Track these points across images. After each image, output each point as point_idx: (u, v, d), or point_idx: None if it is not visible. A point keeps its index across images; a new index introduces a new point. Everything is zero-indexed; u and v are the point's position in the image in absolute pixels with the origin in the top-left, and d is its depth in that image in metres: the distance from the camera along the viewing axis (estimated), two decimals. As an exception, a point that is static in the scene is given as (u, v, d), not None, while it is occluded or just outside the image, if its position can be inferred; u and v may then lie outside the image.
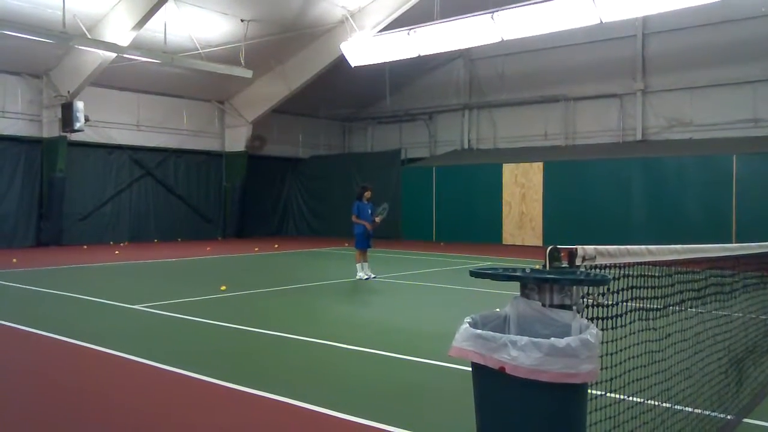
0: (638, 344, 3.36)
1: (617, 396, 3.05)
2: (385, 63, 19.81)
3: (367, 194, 12.30)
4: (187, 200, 22.76)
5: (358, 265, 12.07)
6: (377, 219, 12.15)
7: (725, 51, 18.96)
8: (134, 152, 21.19)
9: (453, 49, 18.60)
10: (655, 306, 3.59)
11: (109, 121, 20.39)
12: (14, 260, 14.62)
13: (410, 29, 17.33)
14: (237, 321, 7.82)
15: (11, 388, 5.17)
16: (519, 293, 2.56)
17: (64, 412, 4.55)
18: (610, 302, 2.89)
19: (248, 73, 19.04)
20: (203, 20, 18.07)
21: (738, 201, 16.71)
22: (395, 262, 15.12)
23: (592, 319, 2.61)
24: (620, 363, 3.10)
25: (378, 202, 12.58)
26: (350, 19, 19.38)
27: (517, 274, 2.50)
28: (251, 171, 23.80)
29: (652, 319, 3.55)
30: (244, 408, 4.61)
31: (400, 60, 18.88)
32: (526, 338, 2.23)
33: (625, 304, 3.06)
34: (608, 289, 2.81)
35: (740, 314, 5.22)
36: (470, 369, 2.42)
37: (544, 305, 2.48)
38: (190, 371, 5.46)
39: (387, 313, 8.97)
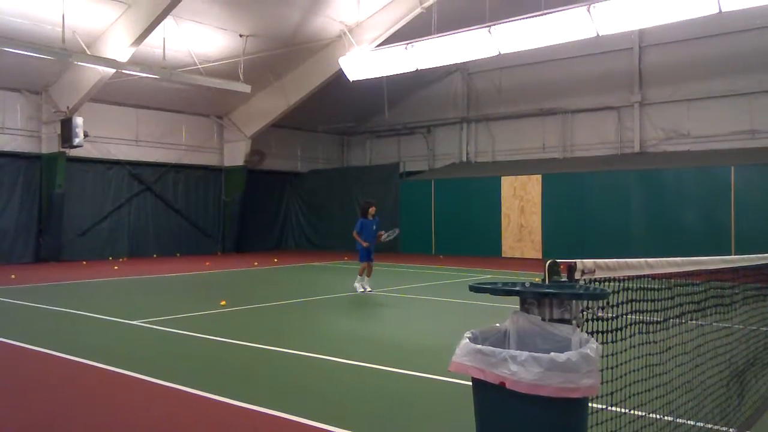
0: (639, 357, 3.35)
1: (619, 410, 3.04)
2: (383, 77, 19.90)
3: (371, 210, 12.28)
4: (186, 215, 22.75)
5: (358, 278, 12.06)
6: (382, 238, 12.13)
7: (722, 63, 19.06)
8: (133, 167, 21.22)
9: (450, 63, 18.67)
10: (655, 319, 3.59)
11: (108, 137, 20.43)
12: (13, 276, 14.59)
13: (408, 43, 17.41)
14: (237, 336, 7.80)
15: (9, 403, 5.14)
16: (519, 307, 2.55)
17: (59, 427, 4.52)
18: (609, 316, 2.88)
19: (247, 88, 19.11)
20: (202, 36, 18.16)
21: (736, 212, 16.72)
22: (394, 276, 15.10)
23: (592, 333, 2.60)
24: (621, 376, 3.09)
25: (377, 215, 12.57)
26: (348, 33, 19.49)
27: (516, 288, 2.50)
28: (250, 185, 23.81)
29: (653, 332, 3.55)
30: (241, 423, 4.59)
31: (398, 74, 18.95)
32: (526, 353, 2.22)
33: (625, 317, 3.06)
34: (608, 303, 2.81)
35: (741, 326, 5.21)
36: (470, 384, 2.41)
37: (543, 319, 2.48)
38: (189, 387, 5.44)
39: (386, 328, 8.94)
